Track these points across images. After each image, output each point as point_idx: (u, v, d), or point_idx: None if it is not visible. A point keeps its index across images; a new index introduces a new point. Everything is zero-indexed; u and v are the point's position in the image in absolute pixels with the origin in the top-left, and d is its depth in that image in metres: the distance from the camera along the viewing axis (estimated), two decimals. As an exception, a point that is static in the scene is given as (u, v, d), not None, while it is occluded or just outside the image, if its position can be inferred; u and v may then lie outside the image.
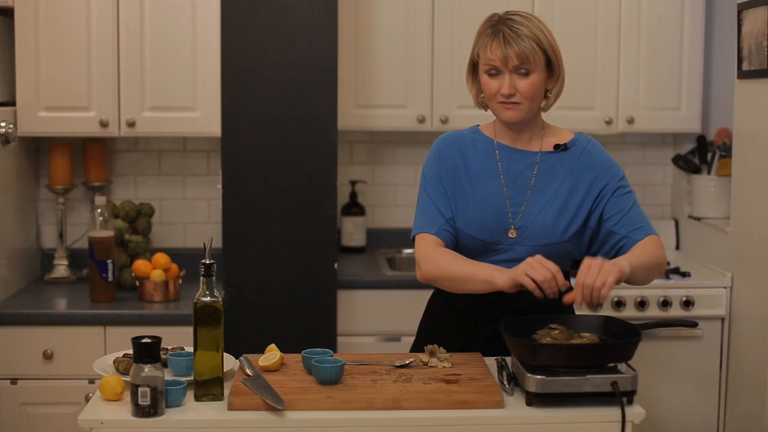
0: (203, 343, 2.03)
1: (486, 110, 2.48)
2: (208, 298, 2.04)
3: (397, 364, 2.23)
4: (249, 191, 3.34)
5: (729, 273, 3.51)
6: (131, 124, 3.49)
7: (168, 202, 3.90)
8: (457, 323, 2.46)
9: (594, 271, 2.14)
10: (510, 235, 2.37)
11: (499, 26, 2.36)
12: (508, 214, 2.38)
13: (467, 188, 2.41)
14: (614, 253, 2.38)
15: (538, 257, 2.18)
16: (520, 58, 2.31)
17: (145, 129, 3.51)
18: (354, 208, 4.00)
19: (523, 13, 2.39)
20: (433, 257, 2.35)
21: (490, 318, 2.38)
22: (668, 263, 3.83)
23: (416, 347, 2.55)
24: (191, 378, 2.09)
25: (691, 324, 2.47)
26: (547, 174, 2.41)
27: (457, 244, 2.42)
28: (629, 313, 3.49)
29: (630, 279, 2.25)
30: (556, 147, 2.44)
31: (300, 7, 3.27)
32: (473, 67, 2.44)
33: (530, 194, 2.39)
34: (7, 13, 3.47)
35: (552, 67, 2.38)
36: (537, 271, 2.14)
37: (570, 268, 2.45)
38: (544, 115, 2.51)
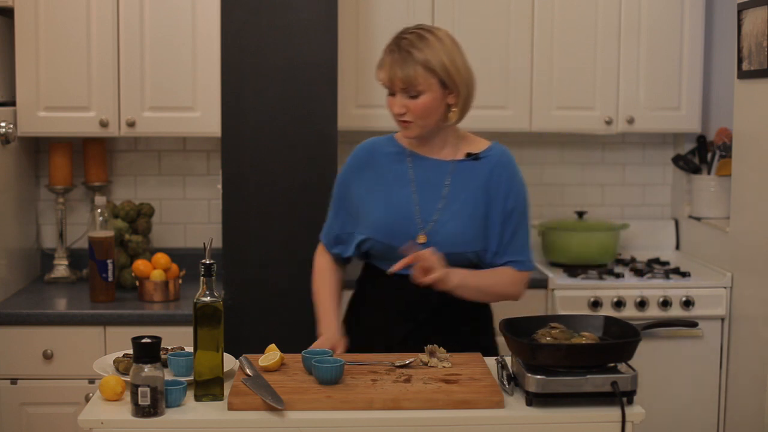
0: (203, 343, 2.04)
1: None
2: (208, 298, 2.04)
3: (397, 364, 2.23)
4: (249, 191, 3.34)
5: (729, 273, 3.51)
6: (131, 124, 3.49)
7: (168, 202, 3.90)
8: (376, 319, 2.54)
9: (433, 259, 2.30)
10: (419, 241, 2.43)
11: (396, 46, 2.40)
12: (417, 220, 2.45)
13: (377, 195, 2.50)
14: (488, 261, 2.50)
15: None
16: (405, 82, 2.37)
17: (145, 129, 3.51)
18: (354, 208, 3.99)
19: (424, 33, 2.41)
20: (314, 277, 2.61)
21: (406, 314, 2.48)
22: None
23: (346, 324, 2.62)
24: (191, 378, 2.09)
25: (691, 324, 2.47)
26: (460, 183, 2.47)
27: (368, 252, 2.52)
28: (629, 313, 3.49)
29: (455, 291, 2.39)
30: (468, 155, 2.49)
31: (300, 7, 3.26)
32: None
33: (443, 202, 2.46)
34: (7, 13, 3.47)
35: (447, 85, 2.42)
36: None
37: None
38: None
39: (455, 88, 2.42)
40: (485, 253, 2.47)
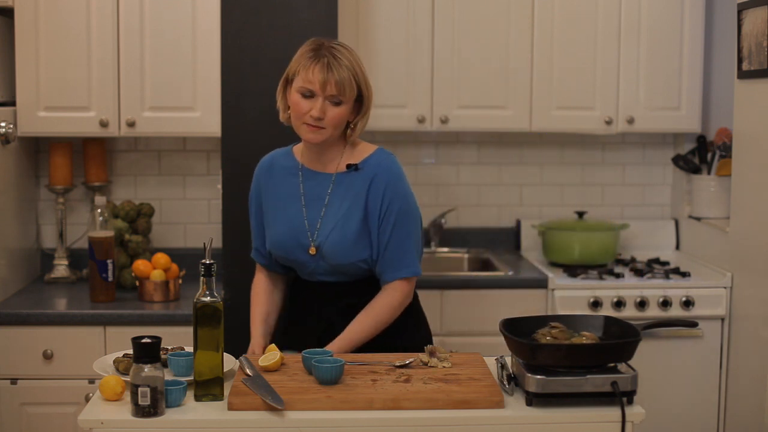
0: (203, 343, 2.04)
1: (288, 124, 2.58)
2: (208, 298, 2.04)
3: (397, 364, 2.23)
4: (249, 191, 3.33)
5: (729, 273, 3.51)
6: (131, 124, 3.49)
7: (168, 202, 3.90)
8: (294, 323, 2.65)
9: None
10: (311, 253, 2.52)
11: (322, 52, 2.45)
12: (306, 233, 2.53)
13: (273, 210, 2.60)
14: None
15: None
16: (338, 87, 2.42)
17: (145, 129, 3.51)
18: (354, 208, 3.99)
19: (345, 46, 2.50)
20: (252, 293, 2.74)
21: (319, 316, 2.56)
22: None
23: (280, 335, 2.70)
24: (191, 378, 2.09)
25: (691, 324, 2.47)
26: (340, 194, 2.53)
27: (275, 263, 2.66)
28: (629, 313, 3.49)
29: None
30: (348, 167, 2.54)
31: (300, 7, 3.26)
32: (286, 82, 2.54)
33: (324, 213, 2.52)
34: (7, 13, 3.47)
35: (361, 101, 2.50)
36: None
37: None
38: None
39: (366, 103, 2.51)
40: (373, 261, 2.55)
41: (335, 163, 2.56)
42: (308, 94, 2.44)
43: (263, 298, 2.70)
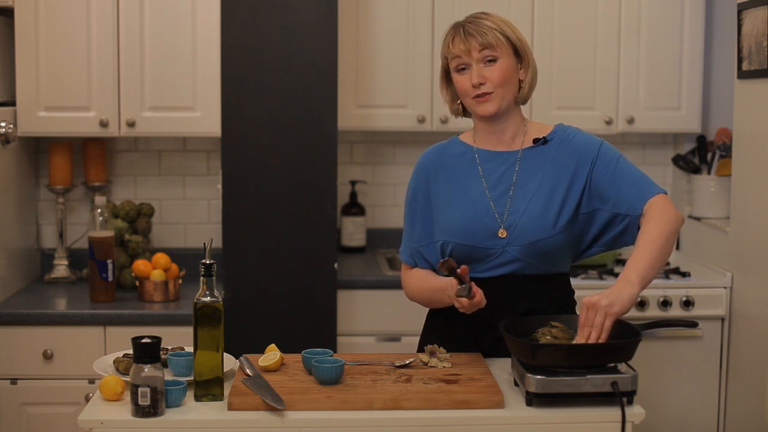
0: (203, 343, 2.04)
1: (458, 117, 2.50)
2: (208, 298, 2.04)
3: (397, 364, 2.23)
4: (249, 191, 3.34)
5: (729, 273, 3.51)
6: (131, 124, 3.49)
7: (168, 202, 3.90)
8: (460, 331, 2.41)
9: (591, 314, 2.12)
10: (500, 236, 2.34)
11: (458, 25, 2.39)
12: (494, 215, 2.36)
13: (449, 197, 2.42)
14: (621, 230, 2.37)
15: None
16: (483, 44, 2.32)
17: (145, 129, 3.51)
18: (354, 208, 4.00)
19: (486, 13, 2.41)
20: (405, 283, 2.52)
21: (491, 324, 2.35)
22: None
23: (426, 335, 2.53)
24: (191, 378, 2.09)
25: (691, 324, 2.47)
26: (529, 170, 2.40)
27: (450, 256, 2.37)
28: (629, 313, 3.47)
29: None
30: (536, 141, 2.43)
31: (300, 7, 3.27)
32: (446, 74, 2.46)
33: (513, 192, 2.38)
34: (7, 13, 3.47)
35: (520, 55, 2.38)
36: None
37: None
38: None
39: (525, 55, 2.38)
40: (575, 232, 2.37)
41: (518, 140, 2.43)
42: (463, 68, 2.36)
43: (426, 272, 2.45)
